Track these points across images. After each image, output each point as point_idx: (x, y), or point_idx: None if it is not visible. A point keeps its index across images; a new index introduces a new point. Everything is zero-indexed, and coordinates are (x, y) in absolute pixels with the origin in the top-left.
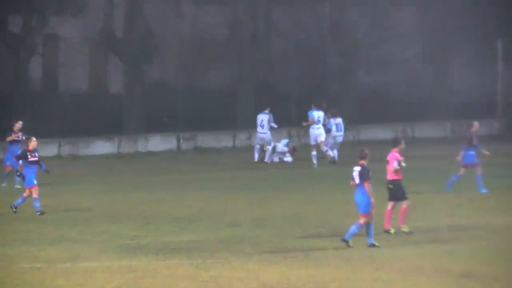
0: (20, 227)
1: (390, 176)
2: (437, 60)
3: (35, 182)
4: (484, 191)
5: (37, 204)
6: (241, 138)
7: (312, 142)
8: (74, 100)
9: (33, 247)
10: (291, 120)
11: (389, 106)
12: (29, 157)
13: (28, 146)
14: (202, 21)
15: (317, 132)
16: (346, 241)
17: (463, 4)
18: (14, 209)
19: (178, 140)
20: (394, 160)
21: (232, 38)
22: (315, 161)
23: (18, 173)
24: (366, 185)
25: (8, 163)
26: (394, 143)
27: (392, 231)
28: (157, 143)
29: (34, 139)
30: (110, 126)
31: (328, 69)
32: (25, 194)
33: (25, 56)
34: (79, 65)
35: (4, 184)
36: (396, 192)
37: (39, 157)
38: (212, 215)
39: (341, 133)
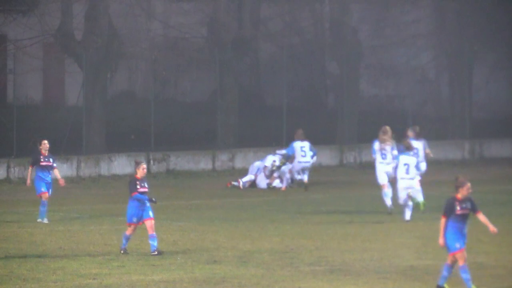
0: None
1: None
2: (455, 68)
3: (135, 220)
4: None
5: (155, 242)
6: (222, 159)
7: None
8: (25, 113)
9: None
10: (281, 137)
11: (396, 123)
12: (138, 187)
13: (136, 173)
14: (176, 21)
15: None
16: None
17: (487, 2)
18: (123, 251)
19: (148, 162)
20: None
21: (212, 41)
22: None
23: (153, 199)
24: (442, 220)
25: (42, 189)
26: None
27: None
28: (123, 164)
29: (144, 166)
30: (67, 145)
31: (326, 78)
32: (127, 232)
33: None
34: (31, 72)
35: (41, 220)
36: None
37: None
38: (187, 250)
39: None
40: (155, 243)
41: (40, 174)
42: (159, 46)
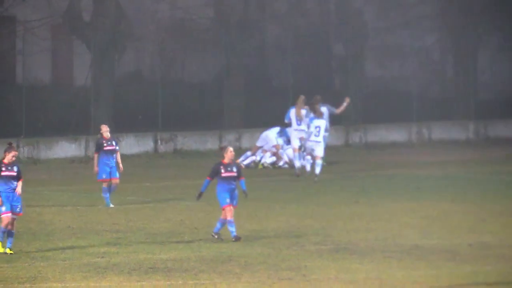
0: None
1: None
2: (460, 49)
3: (228, 201)
4: None
5: (233, 228)
6: (229, 139)
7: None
8: (34, 93)
9: None
10: None
11: (401, 103)
12: (222, 171)
13: (223, 158)
14: (183, 2)
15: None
16: None
17: None
18: (216, 236)
19: (156, 142)
20: None
21: (218, 22)
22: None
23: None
24: None
25: (103, 176)
26: None
27: None
28: (131, 144)
29: (231, 149)
30: (76, 125)
31: (331, 59)
32: (222, 217)
33: None
34: (40, 53)
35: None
36: None
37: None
38: (195, 230)
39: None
40: (233, 229)
41: (104, 159)
42: (166, 27)
